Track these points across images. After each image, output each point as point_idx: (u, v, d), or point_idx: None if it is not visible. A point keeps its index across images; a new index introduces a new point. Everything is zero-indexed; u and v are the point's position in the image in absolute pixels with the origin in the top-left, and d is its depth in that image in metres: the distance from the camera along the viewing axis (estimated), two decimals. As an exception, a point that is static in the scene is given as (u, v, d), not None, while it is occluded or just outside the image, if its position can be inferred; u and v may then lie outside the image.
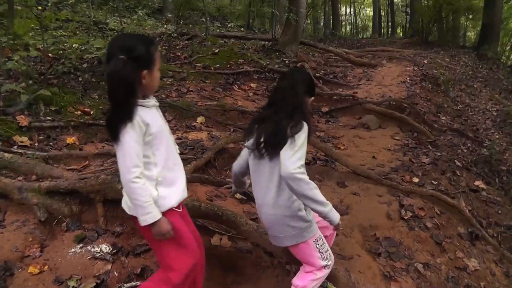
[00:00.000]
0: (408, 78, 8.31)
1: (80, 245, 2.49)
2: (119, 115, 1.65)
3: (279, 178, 1.94)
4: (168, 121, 4.93)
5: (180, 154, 2.87)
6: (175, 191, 1.84)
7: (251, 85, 7.05)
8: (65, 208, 2.73)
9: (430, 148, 5.42)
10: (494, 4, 13.06)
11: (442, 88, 8.43)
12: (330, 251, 2.16)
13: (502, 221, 4.35)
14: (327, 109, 6.79)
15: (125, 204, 1.87)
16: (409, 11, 21.47)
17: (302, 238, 2.01)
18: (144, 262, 2.41)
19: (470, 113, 8.04)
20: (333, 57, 10.80)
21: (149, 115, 1.72)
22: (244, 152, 2.20)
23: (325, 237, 2.19)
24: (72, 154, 3.49)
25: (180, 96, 5.51)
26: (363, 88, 7.77)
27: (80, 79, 5.21)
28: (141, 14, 11.33)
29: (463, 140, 6.23)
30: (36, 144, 3.75)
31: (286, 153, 1.84)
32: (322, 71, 8.88)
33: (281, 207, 1.97)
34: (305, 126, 1.93)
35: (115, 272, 2.30)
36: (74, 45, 6.18)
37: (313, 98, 2.19)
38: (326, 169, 4.42)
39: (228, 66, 7.40)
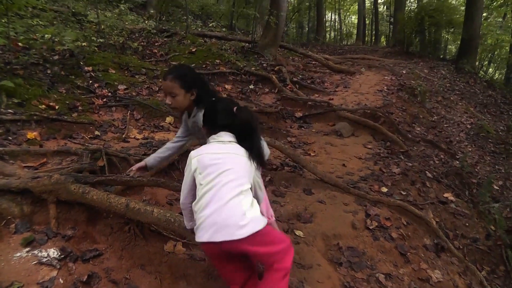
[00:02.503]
0: (385, 87, 8.37)
1: (27, 249, 2.35)
2: None
3: None
4: (136, 120, 4.82)
5: (144, 154, 2.77)
6: None
7: (226, 86, 6.97)
8: (16, 208, 2.59)
9: (402, 158, 5.43)
10: (473, 20, 13.38)
11: (418, 99, 8.52)
12: None
13: (468, 234, 4.38)
14: (301, 115, 6.76)
15: None
16: (392, 21, 21.75)
17: None
18: (92, 268, 2.30)
19: (445, 125, 8.13)
20: (312, 63, 10.81)
21: None
22: None
23: None
24: (30, 151, 3.34)
25: (151, 94, 5.40)
26: (340, 95, 7.79)
27: (48, 71, 5.04)
28: (123, 8, 11.07)
29: (436, 152, 6.28)
30: (-7, 138, 3.60)
31: None
32: (300, 76, 8.88)
33: None
34: None
35: (60, 280, 2.18)
36: (46, 36, 5.98)
37: None
38: (293, 175, 4.37)
39: (204, 66, 7.31)
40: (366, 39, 28.06)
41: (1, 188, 2.59)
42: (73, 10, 9.21)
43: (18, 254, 2.30)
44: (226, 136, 2.03)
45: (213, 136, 2.05)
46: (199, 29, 11.33)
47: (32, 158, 3.30)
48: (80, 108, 4.59)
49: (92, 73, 5.50)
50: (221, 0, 18.05)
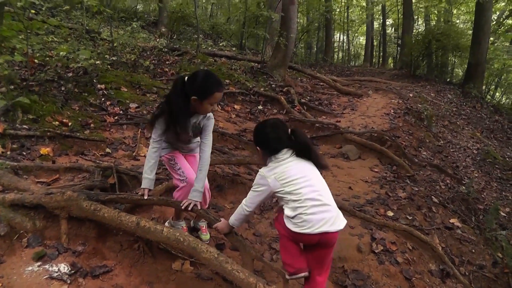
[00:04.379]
0: (392, 111, 8.42)
1: (39, 263, 2.41)
2: None
3: None
4: (147, 138, 4.90)
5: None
6: None
7: (235, 106, 7.07)
8: (28, 223, 2.66)
9: (408, 182, 5.44)
10: (479, 45, 13.49)
11: (425, 122, 8.56)
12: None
13: (475, 260, 4.35)
14: (308, 136, 6.80)
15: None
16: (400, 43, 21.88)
17: None
18: (101, 284, 2.34)
19: (451, 150, 8.13)
20: (320, 84, 10.94)
21: None
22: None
23: None
24: (43, 166, 3.43)
25: (162, 113, 5.50)
26: (347, 117, 7.85)
27: (62, 88, 5.17)
28: (135, 26, 11.33)
29: (442, 177, 6.27)
30: (8, 152, 3.69)
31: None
32: (308, 97, 8.99)
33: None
34: None
35: (70, 294, 2.24)
36: (61, 53, 6.14)
37: None
38: (300, 197, 4.39)
39: (214, 85, 7.40)
40: (374, 60, 28.24)
41: (15, 203, 2.66)
42: (87, 28, 9.44)
43: (30, 268, 2.36)
44: (286, 154, 2.28)
45: (274, 156, 2.27)
46: (210, 48, 11.53)
47: (45, 174, 3.39)
48: (92, 125, 4.70)
49: (104, 91, 5.63)
50: (232, 19, 18.37)
